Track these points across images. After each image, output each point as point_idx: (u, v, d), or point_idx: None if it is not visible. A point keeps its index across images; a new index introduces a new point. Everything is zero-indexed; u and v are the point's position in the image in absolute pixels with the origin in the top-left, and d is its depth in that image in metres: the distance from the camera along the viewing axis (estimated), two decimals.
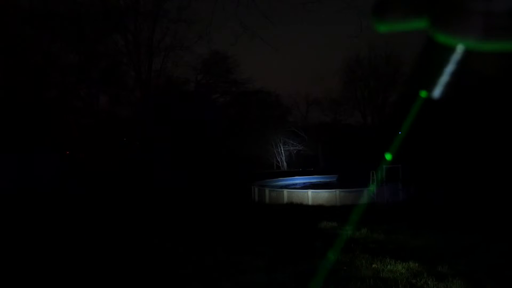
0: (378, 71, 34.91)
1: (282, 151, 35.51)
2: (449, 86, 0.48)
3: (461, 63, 0.47)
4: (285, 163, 35.68)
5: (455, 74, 0.48)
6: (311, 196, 13.37)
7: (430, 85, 0.50)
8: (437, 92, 0.50)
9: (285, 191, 14.13)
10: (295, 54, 65.41)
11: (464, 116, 25.19)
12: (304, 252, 6.44)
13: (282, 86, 68.29)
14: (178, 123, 24.35)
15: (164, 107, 24.29)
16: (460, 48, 0.45)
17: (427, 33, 0.47)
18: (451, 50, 0.46)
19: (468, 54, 0.45)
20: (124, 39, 23.92)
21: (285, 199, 13.66)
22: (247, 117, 33.52)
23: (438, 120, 27.03)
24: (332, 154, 33.03)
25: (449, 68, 0.48)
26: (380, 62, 34.68)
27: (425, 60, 0.50)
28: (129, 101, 25.34)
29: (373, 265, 5.46)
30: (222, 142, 28.10)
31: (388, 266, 5.36)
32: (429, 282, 4.70)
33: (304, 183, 19.96)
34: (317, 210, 11.79)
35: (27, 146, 17.56)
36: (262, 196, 14.65)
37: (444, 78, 0.49)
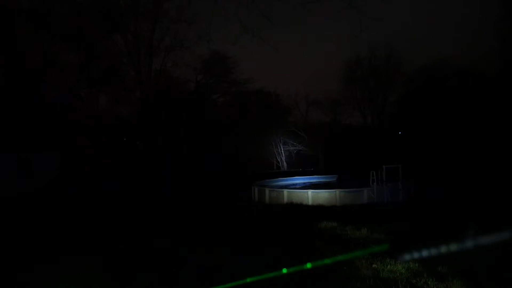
0: (378, 71, 34.88)
1: (282, 151, 35.51)
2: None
3: None
4: (285, 163, 35.68)
5: None
6: (311, 196, 13.36)
7: None
8: None
9: (285, 191, 14.12)
10: (295, 54, 65.36)
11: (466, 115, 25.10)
12: (304, 252, 6.44)
13: (282, 86, 68.18)
14: (178, 123, 24.36)
15: (164, 107, 24.30)
16: None
17: None
18: None
19: None
20: (124, 39, 23.89)
21: (285, 199, 13.65)
22: (247, 117, 33.50)
23: (438, 120, 26.95)
24: (332, 154, 33.06)
25: None
26: (380, 62, 34.67)
27: None
28: (129, 101, 25.33)
29: (373, 265, 5.46)
30: (222, 142, 28.10)
31: (388, 266, 5.36)
32: (429, 282, 4.70)
33: (304, 183, 19.95)
34: (317, 210, 11.78)
35: (27, 146, 17.55)
36: (262, 196, 14.65)
37: None
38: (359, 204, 12.62)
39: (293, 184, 19.09)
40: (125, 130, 24.27)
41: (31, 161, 17.65)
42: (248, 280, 4.99)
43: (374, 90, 35.36)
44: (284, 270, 5.30)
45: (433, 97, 28.63)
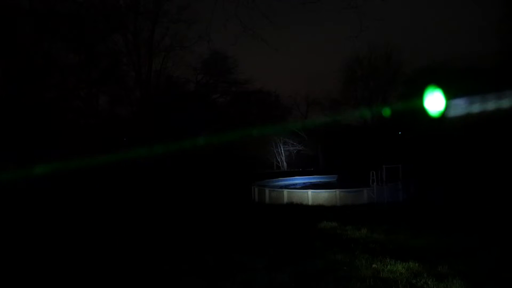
0: (378, 71, 34.90)
1: (282, 151, 35.54)
2: None
3: None
4: (285, 163, 35.72)
5: None
6: (311, 196, 13.37)
7: None
8: None
9: (285, 191, 14.14)
10: (295, 54, 65.30)
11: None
12: (304, 252, 6.44)
13: (282, 86, 68.17)
14: (178, 123, 24.34)
15: (164, 107, 24.29)
16: None
17: None
18: None
19: None
20: (124, 39, 23.89)
21: (285, 199, 13.66)
22: (247, 117, 33.51)
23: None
24: (332, 154, 33.06)
25: None
26: (380, 62, 34.67)
27: None
28: (129, 101, 25.31)
29: (373, 265, 5.46)
30: (221, 142, 28.09)
31: (388, 266, 5.36)
32: (429, 282, 4.69)
33: (304, 183, 19.98)
34: (317, 210, 11.79)
35: (27, 146, 17.53)
36: (262, 196, 14.66)
37: None
38: (359, 204, 12.64)
39: (293, 184, 19.11)
40: (125, 130, 24.23)
41: (31, 161, 17.62)
42: (247, 279, 4.99)
43: (374, 90, 35.39)
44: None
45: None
